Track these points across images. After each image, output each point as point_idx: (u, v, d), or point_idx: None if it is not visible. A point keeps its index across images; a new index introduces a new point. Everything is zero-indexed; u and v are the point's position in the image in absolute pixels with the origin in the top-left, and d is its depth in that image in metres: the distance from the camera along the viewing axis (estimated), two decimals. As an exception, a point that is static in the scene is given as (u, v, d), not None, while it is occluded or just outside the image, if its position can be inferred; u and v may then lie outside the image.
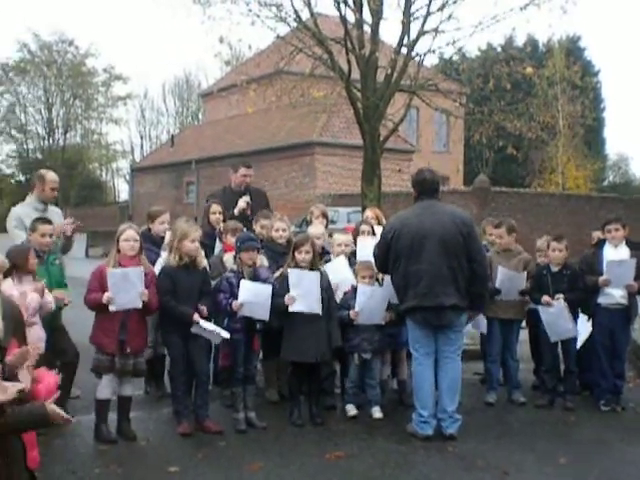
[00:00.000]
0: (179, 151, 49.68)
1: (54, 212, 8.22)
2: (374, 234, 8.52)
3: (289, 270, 7.43)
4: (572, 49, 48.71)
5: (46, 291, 6.73)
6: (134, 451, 6.78)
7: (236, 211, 8.94)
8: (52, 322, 7.13)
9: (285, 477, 6.16)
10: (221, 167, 42.29)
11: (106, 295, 6.77)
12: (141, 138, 78.49)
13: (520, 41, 52.17)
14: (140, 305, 6.89)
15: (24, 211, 7.95)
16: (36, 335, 6.42)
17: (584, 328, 8.44)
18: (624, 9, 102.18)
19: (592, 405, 8.43)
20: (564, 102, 38.00)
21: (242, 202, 9.05)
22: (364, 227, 8.69)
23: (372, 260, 7.69)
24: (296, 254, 7.53)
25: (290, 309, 7.34)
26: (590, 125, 34.15)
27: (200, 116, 67.83)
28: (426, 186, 7.44)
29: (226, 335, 7.13)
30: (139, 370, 7.16)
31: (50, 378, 4.17)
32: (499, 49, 40.13)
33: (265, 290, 7.27)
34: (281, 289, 7.40)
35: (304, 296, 7.34)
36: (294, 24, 16.16)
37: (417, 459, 6.63)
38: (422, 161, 36.96)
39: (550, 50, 44.40)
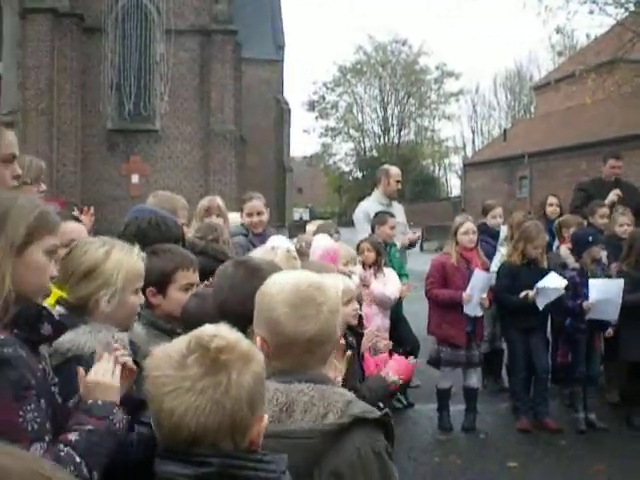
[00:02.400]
0: (511, 145, 49.16)
1: (397, 208, 8.58)
2: None
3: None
4: None
5: (393, 280, 7.08)
6: (473, 443, 6.92)
7: (607, 201, 8.58)
8: (395, 313, 7.46)
9: (630, 482, 5.96)
10: (555, 161, 41.34)
11: (466, 294, 6.92)
12: (472, 133, 78.87)
13: None
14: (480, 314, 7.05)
15: (371, 206, 8.41)
16: (381, 324, 6.79)
17: None
18: None
19: None
20: None
21: (613, 195, 8.70)
22: None
23: None
24: None
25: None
26: None
27: (532, 109, 66.64)
28: None
29: (564, 282, 6.95)
30: (473, 362, 7.20)
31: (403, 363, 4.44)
32: None
33: (616, 285, 6.99)
34: None
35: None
36: (634, 9, 15.53)
37: None
38: None
39: None
